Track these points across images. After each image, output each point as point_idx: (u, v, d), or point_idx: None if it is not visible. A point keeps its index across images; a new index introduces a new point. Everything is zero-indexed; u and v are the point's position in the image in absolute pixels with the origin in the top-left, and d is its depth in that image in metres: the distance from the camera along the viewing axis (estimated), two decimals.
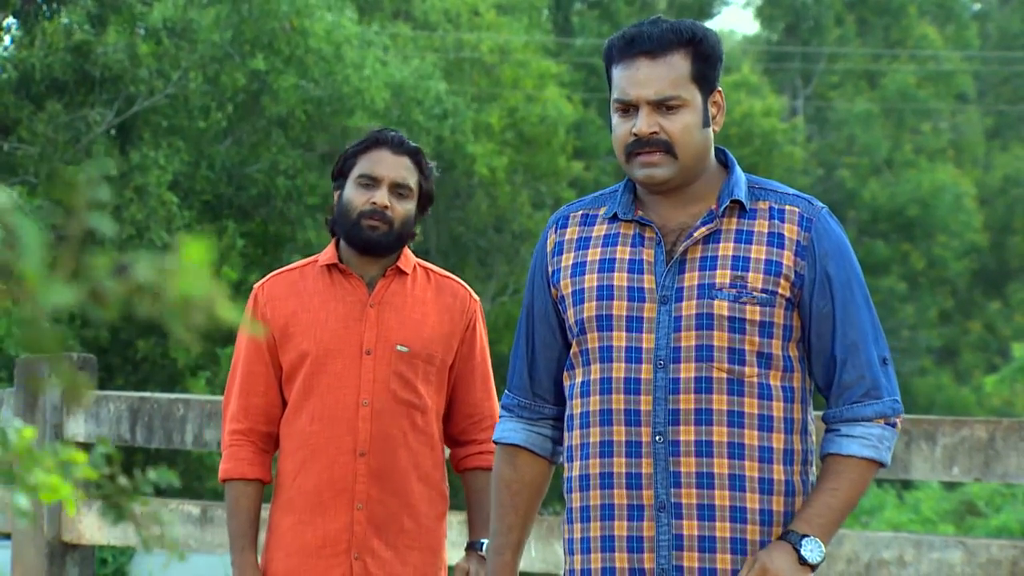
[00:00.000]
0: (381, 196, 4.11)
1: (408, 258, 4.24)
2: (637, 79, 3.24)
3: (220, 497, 18.74)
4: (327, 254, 4.24)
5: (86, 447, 5.65)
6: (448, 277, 4.31)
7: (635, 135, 3.23)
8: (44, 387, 5.58)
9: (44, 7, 19.63)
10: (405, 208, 4.16)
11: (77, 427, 5.60)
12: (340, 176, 4.21)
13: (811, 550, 3.19)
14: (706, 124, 3.28)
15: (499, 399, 4.08)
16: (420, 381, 4.18)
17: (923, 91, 37.02)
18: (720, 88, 3.32)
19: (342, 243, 4.22)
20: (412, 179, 4.18)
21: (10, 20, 19.79)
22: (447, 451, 4.32)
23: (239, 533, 4.19)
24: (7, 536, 6.17)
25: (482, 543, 4.22)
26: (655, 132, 3.23)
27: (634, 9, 33.74)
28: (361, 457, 4.13)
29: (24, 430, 1.57)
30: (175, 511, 5.49)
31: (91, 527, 5.61)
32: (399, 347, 4.16)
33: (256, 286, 4.31)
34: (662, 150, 3.24)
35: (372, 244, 4.14)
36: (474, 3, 27.40)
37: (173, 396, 5.57)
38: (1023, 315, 35.58)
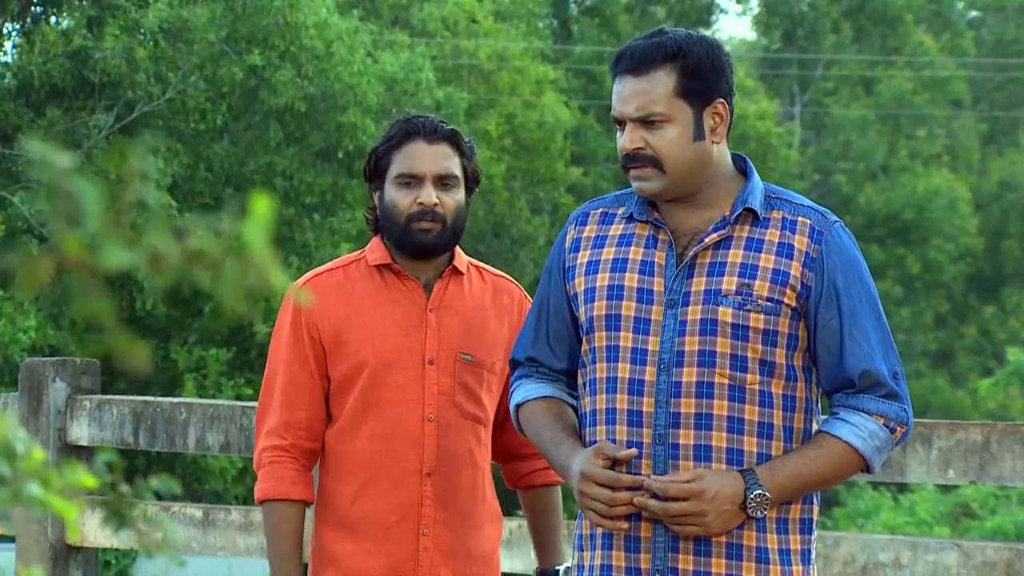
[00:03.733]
0: (427, 195, 3.75)
1: (461, 256, 3.89)
2: (622, 95, 3.29)
3: (220, 500, 18.74)
4: (376, 253, 3.85)
5: (89, 451, 5.69)
6: (502, 276, 3.98)
7: (622, 151, 3.29)
8: (49, 390, 5.62)
9: (42, 12, 19.65)
10: (455, 200, 3.79)
11: (80, 431, 5.63)
12: (376, 176, 3.84)
13: (755, 507, 3.21)
14: (699, 137, 3.29)
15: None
16: (484, 392, 3.84)
17: (919, 97, 37.03)
18: (723, 99, 3.31)
19: (390, 243, 3.86)
20: (455, 166, 3.81)
21: (10, 27, 19.80)
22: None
23: (284, 559, 3.78)
24: (11, 539, 6.20)
25: (557, 570, 3.92)
26: (639, 148, 3.26)
27: (633, 17, 33.74)
28: (427, 478, 3.77)
29: (34, 451, 1.57)
30: (177, 514, 5.53)
31: (94, 529, 5.64)
32: (463, 356, 3.82)
33: (294, 287, 3.88)
34: (650, 164, 3.27)
35: (428, 248, 3.78)
36: (471, 11, 27.41)
37: (176, 400, 5.59)
38: (1018, 319, 35.58)
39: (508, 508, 4.33)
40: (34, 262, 1.35)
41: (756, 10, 39.21)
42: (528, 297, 3.91)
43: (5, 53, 19.93)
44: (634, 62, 3.27)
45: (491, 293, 3.90)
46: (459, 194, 3.81)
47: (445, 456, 3.78)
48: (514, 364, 3.52)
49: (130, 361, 1.32)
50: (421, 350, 3.80)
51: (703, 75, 3.28)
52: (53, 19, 19.66)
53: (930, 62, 37.62)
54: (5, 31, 19.94)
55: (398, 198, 3.78)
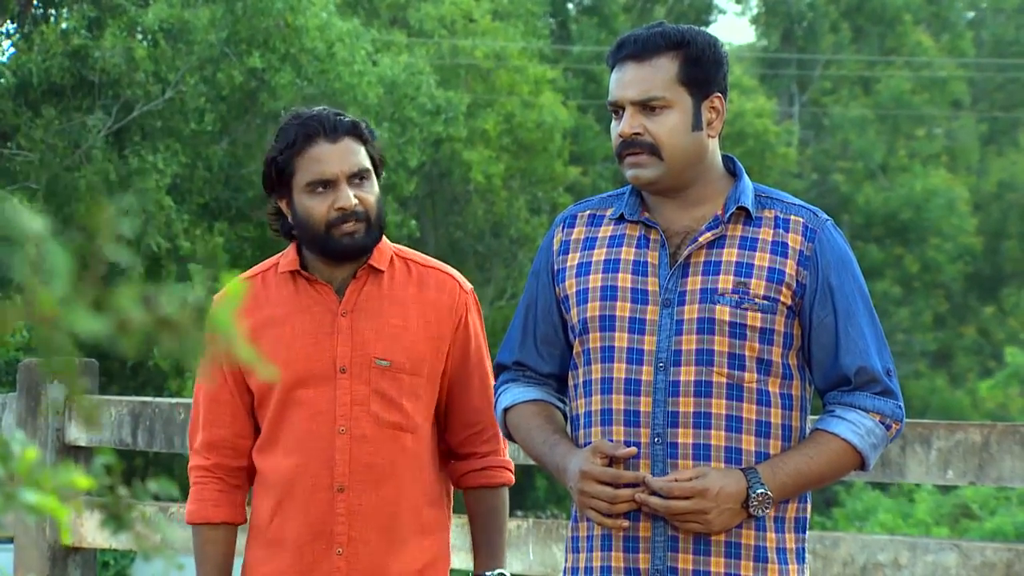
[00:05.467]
0: (345, 198, 3.52)
1: (383, 251, 3.63)
2: (623, 81, 3.28)
3: None
4: (288, 258, 3.63)
5: (87, 451, 5.68)
6: (433, 267, 3.69)
7: (620, 136, 3.28)
8: (47, 391, 5.61)
9: (42, 11, 19.65)
10: (372, 193, 3.56)
11: (79, 431, 5.63)
12: (280, 186, 3.58)
13: (757, 505, 3.21)
14: (697, 128, 3.29)
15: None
16: (406, 398, 3.60)
17: (918, 97, 37.04)
18: (720, 94, 3.33)
19: (310, 250, 3.62)
20: (364, 159, 3.56)
21: (8, 25, 19.80)
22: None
23: None
24: (9, 539, 6.20)
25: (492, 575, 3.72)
26: (638, 133, 3.26)
27: (632, 16, 33.74)
28: (340, 493, 3.56)
29: (27, 451, 1.56)
30: (176, 514, 5.52)
31: (93, 530, 5.63)
32: (378, 361, 3.58)
33: (215, 298, 3.70)
34: (647, 151, 3.26)
35: (355, 251, 3.57)
36: (468, 9, 27.39)
37: (174, 400, 5.58)
38: (1017, 319, 35.58)
39: (510, 509, 4.25)
40: (3, 311, 1.36)
41: (755, 10, 39.22)
42: (465, 288, 3.71)
43: (2, 52, 19.93)
44: (637, 48, 3.28)
45: (416, 288, 3.64)
46: (374, 186, 3.57)
47: (359, 469, 3.57)
48: (500, 369, 3.50)
49: (87, 418, 1.33)
50: (332, 358, 3.58)
51: (704, 65, 3.30)
52: (52, 20, 19.66)
53: (929, 62, 37.62)
54: (4, 30, 19.93)
55: (312, 206, 3.54)
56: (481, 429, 3.72)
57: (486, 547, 3.72)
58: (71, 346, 1.36)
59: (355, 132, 3.56)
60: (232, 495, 3.67)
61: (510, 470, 3.77)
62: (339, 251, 3.55)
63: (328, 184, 3.53)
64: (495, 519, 3.74)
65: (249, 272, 3.71)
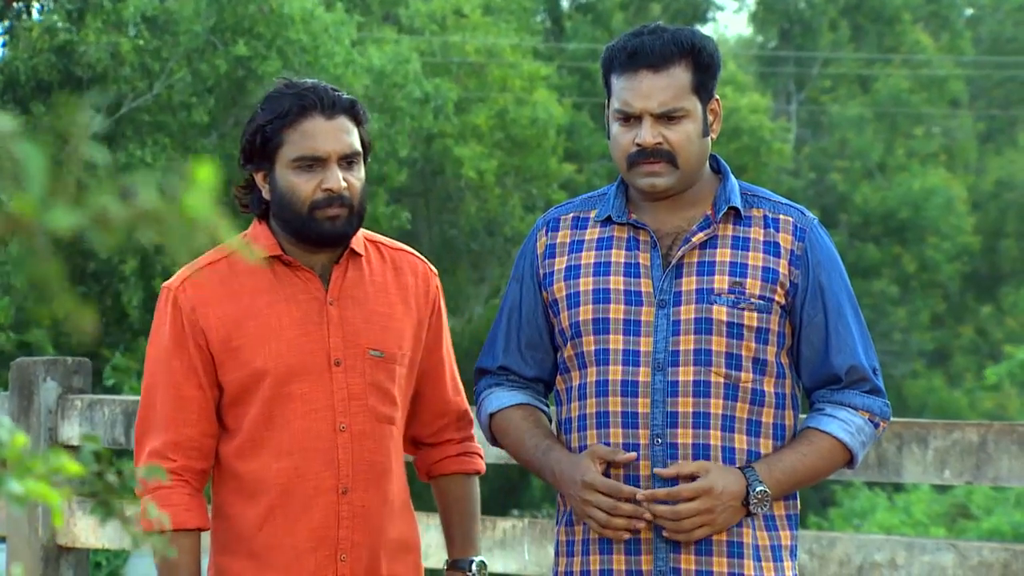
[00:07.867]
0: (333, 179, 3.28)
1: (357, 236, 3.41)
2: (640, 91, 3.27)
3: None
4: (264, 241, 3.36)
5: (80, 450, 5.66)
6: (402, 250, 3.52)
7: (639, 145, 3.26)
8: (39, 387, 5.59)
9: (24, 7, 19.62)
10: (359, 178, 3.33)
11: (71, 430, 5.61)
12: (262, 158, 3.32)
13: (756, 503, 3.23)
14: (706, 133, 3.32)
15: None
16: (396, 389, 3.41)
17: (916, 96, 37.04)
18: (717, 96, 3.35)
19: (277, 229, 3.37)
20: (357, 142, 3.34)
21: None
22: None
23: None
24: (2, 539, 6.18)
25: (471, 561, 3.55)
26: (659, 143, 3.26)
27: (628, 14, 33.72)
28: (344, 496, 3.34)
29: (16, 437, 1.55)
30: None
31: (85, 530, 5.62)
32: (371, 352, 3.37)
33: (170, 285, 3.37)
34: (665, 160, 3.27)
35: (335, 237, 3.33)
36: (458, 4, 27.33)
37: None
38: (1015, 319, 35.58)
39: (505, 509, 4.21)
40: None
41: (752, 7, 39.22)
42: (433, 271, 3.54)
43: None
44: (654, 57, 3.27)
45: (392, 273, 3.45)
46: (362, 171, 3.34)
47: (362, 469, 3.36)
48: (482, 373, 3.48)
49: (78, 324, 1.28)
50: (325, 350, 3.35)
51: (712, 71, 3.32)
52: (35, 14, 19.61)
53: (927, 60, 37.63)
54: None
55: (298, 183, 3.29)
56: (456, 416, 3.56)
57: (462, 536, 3.55)
58: (52, 249, 1.31)
59: (352, 112, 3.35)
60: (200, 499, 3.37)
61: (482, 457, 3.62)
62: (319, 235, 3.32)
63: (318, 162, 3.30)
64: (472, 505, 3.58)
65: (211, 256, 3.41)
